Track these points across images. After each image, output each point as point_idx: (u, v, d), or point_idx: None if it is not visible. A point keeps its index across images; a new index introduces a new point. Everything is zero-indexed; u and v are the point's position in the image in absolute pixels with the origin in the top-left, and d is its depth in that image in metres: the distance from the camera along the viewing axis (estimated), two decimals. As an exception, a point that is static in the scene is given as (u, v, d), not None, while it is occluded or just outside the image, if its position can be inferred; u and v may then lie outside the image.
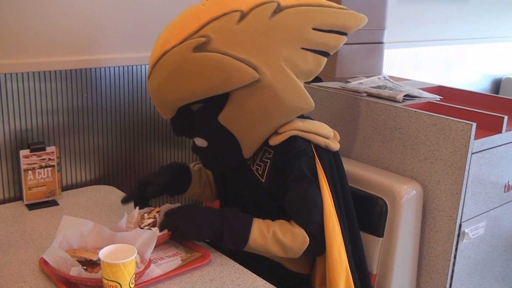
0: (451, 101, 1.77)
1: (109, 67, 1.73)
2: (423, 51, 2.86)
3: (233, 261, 1.31)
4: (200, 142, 1.39)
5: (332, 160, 1.37)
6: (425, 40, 2.86)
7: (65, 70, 1.65)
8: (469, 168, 1.42)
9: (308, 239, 1.27)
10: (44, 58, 1.61)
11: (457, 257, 1.49)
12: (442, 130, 1.44)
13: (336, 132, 1.40)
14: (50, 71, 1.62)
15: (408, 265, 1.51)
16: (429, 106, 1.66)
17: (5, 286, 1.15)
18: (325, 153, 1.35)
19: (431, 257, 1.52)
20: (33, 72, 1.59)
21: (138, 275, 1.14)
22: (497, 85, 3.43)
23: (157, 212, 1.36)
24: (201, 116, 1.33)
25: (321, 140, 1.33)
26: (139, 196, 1.44)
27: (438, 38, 2.94)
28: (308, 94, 1.34)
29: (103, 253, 1.07)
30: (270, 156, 1.36)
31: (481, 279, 1.66)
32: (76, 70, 1.67)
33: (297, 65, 1.29)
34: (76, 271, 1.12)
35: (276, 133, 1.34)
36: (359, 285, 1.35)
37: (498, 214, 1.63)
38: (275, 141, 1.33)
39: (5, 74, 1.54)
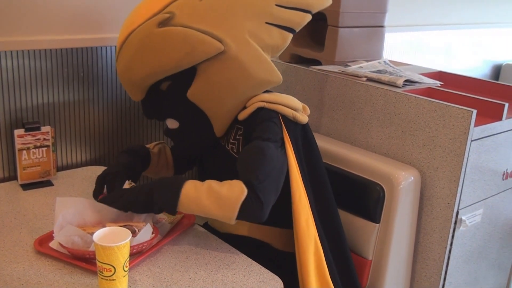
0: (451, 87, 1.75)
1: (106, 47, 1.71)
2: (423, 35, 2.83)
3: (228, 245, 1.31)
4: (172, 123, 1.40)
5: (300, 133, 1.37)
6: (426, 24, 2.83)
7: (61, 49, 1.62)
8: (468, 155, 1.41)
9: (246, 190, 1.19)
10: (41, 36, 1.58)
11: (453, 244, 1.49)
12: (442, 116, 1.42)
13: (306, 106, 1.40)
14: (46, 50, 1.59)
15: (404, 251, 1.50)
16: (429, 92, 1.64)
17: (-1, 267, 1.15)
18: (293, 125, 1.34)
19: (427, 243, 1.51)
20: (28, 50, 1.56)
21: (148, 242, 1.21)
22: (497, 71, 3.40)
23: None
24: (170, 94, 1.35)
25: (288, 111, 1.33)
26: (101, 189, 1.38)
27: (439, 22, 2.91)
28: (276, 68, 1.35)
29: (97, 236, 1.07)
30: (242, 132, 1.37)
31: (477, 266, 1.66)
32: (72, 49, 1.64)
33: (262, 39, 1.32)
34: None
35: (244, 108, 1.36)
36: (332, 260, 1.34)
37: (496, 202, 1.63)
38: (243, 115, 1.35)
39: (-1, 52, 1.52)
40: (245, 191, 1.19)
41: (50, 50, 1.60)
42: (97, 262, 1.05)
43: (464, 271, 1.60)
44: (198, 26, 1.26)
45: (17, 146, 1.52)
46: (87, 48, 1.67)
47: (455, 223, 1.46)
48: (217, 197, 1.19)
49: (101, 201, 1.28)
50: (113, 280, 1.05)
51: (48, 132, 1.56)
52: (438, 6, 2.87)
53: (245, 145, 1.34)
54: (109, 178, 1.37)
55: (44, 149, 1.57)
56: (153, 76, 1.31)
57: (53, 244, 1.23)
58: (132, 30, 1.29)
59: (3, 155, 1.60)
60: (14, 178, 1.62)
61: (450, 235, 1.47)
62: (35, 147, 1.55)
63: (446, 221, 1.46)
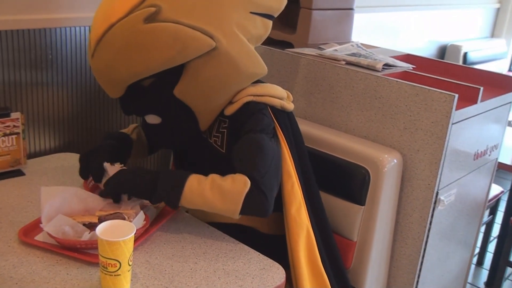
0: (422, 70, 1.79)
1: (76, 27, 1.62)
2: (371, 17, 2.87)
3: (222, 232, 1.29)
4: (153, 119, 1.33)
5: (288, 121, 1.38)
6: (374, 6, 2.87)
7: (28, 30, 1.52)
8: (449, 138, 1.45)
9: (249, 182, 1.18)
10: (7, 16, 1.48)
11: (432, 223, 1.54)
12: (424, 100, 1.46)
13: (289, 92, 1.41)
14: (12, 30, 1.48)
15: (387, 232, 1.54)
16: (406, 76, 1.67)
17: (-15, 266, 1.08)
18: (281, 114, 1.35)
19: (407, 223, 1.56)
20: (-6, 31, 1.46)
21: (141, 229, 1.18)
22: (442, 51, 3.53)
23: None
24: (155, 92, 1.27)
25: (276, 102, 1.34)
26: (86, 167, 1.35)
27: (386, 4, 2.96)
28: (261, 60, 1.33)
29: (100, 230, 1.02)
30: (226, 125, 1.34)
31: (448, 243, 1.73)
32: (40, 29, 1.54)
33: (248, 30, 1.28)
34: (88, 236, 1.12)
35: (230, 102, 1.32)
36: (323, 246, 1.36)
37: (467, 181, 1.69)
38: (230, 110, 1.32)
39: (-37, 33, 1.40)
40: (248, 184, 1.18)
41: (17, 30, 1.49)
42: (101, 258, 1.00)
43: (438, 248, 1.66)
44: (187, 21, 1.18)
45: (-14, 134, 1.43)
46: (55, 28, 1.57)
47: (435, 202, 1.52)
48: (220, 190, 1.18)
49: (101, 192, 1.26)
50: (118, 275, 1.01)
51: (18, 118, 1.47)
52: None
53: (231, 138, 1.32)
54: (92, 156, 1.33)
55: (13, 136, 1.47)
56: (139, 75, 1.23)
57: (39, 237, 1.17)
58: (110, 24, 1.18)
59: (-32, 144, 1.49)
60: (-20, 168, 1.52)
61: (430, 214, 1.52)
62: (5, 134, 1.46)
63: (426, 201, 1.51)
